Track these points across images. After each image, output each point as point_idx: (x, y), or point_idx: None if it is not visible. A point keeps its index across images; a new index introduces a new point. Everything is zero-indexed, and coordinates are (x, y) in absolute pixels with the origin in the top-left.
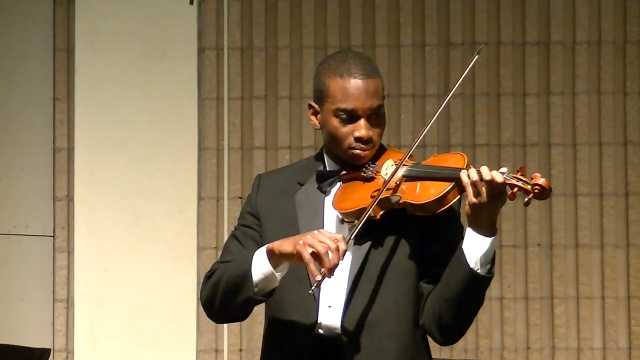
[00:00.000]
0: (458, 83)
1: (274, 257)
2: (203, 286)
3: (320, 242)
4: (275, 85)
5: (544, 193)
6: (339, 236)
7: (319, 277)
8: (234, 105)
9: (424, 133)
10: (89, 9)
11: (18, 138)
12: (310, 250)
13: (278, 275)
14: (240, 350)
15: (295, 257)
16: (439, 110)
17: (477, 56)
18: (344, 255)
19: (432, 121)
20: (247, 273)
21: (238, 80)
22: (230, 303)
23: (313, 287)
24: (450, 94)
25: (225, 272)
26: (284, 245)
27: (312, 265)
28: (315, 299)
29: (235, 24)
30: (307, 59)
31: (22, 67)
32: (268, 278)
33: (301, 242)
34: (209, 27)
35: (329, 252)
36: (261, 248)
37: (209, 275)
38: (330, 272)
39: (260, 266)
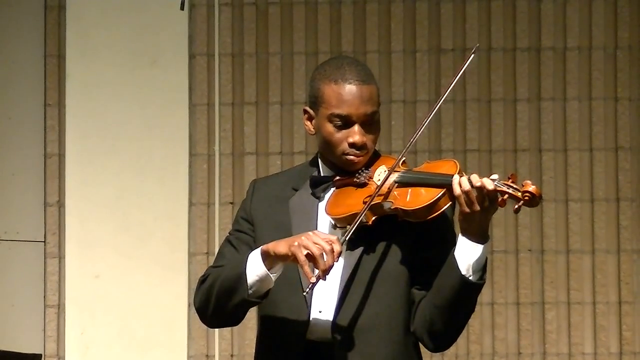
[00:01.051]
0: (453, 83)
1: (269, 259)
2: (196, 291)
3: (315, 243)
4: (267, 91)
5: (534, 200)
6: (334, 237)
7: (313, 279)
8: (225, 111)
9: (414, 140)
10: (79, 16)
11: (9, 144)
12: (305, 251)
13: (273, 276)
14: (232, 355)
15: (289, 259)
16: (432, 115)
17: (473, 55)
18: (338, 256)
19: (422, 127)
20: (242, 275)
21: (229, 86)
22: (224, 306)
23: (307, 289)
24: (444, 98)
25: (219, 275)
26: (279, 246)
27: (307, 267)
28: (307, 305)
29: (226, 30)
30: (298, 65)
31: (13, 73)
32: (262, 279)
33: (296, 243)
34: (199, 33)
35: (324, 253)
36: (255, 250)
37: (202, 280)
38: (325, 273)
39: (254, 268)
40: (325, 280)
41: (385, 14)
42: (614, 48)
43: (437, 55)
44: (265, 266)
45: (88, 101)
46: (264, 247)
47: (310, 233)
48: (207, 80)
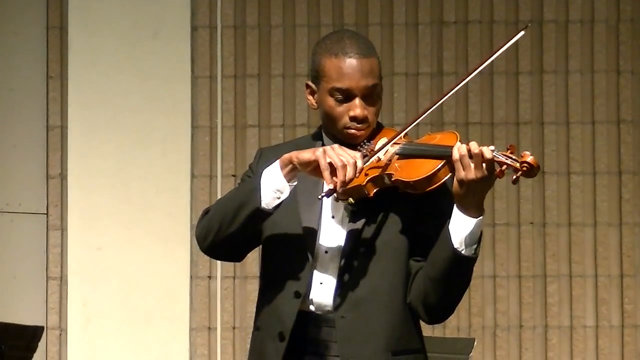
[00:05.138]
0: (500, 52)
1: (287, 167)
2: (200, 219)
3: (339, 155)
4: (269, 64)
5: (532, 171)
6: (358, 154)
7: (331, 185)
8: (227, 84)
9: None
10: None
11: (11, 116)
12: (328, 159)
13: (289, 185)
14: (234, 328)
15: (312, 165)
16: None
17: (523, 32)
18: (360, 172)
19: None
20: (257, 187)
21: (231, 58)
22: (229, 224)
23: (323, 194)
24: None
25: (225, 197)
26: (303, 153)
27: (327, 173)
28: (310, 270)
29: (228, 2)
30: (300, 37)
31: (15, 45)
32: (278, 189)
33: (321, 150)
34: (202, 5)
35: (347, 165)
36: (269, 166)
37: (207, 211)
38: (343, 185)
39: (270, 178)
40: (341, 191)
41: None
42: (616, 21)
43: (439, 28)
44: (282, 174)
45: (90, 73)
46: (284, 155)
47: (335, 145)
48: (209, 53)
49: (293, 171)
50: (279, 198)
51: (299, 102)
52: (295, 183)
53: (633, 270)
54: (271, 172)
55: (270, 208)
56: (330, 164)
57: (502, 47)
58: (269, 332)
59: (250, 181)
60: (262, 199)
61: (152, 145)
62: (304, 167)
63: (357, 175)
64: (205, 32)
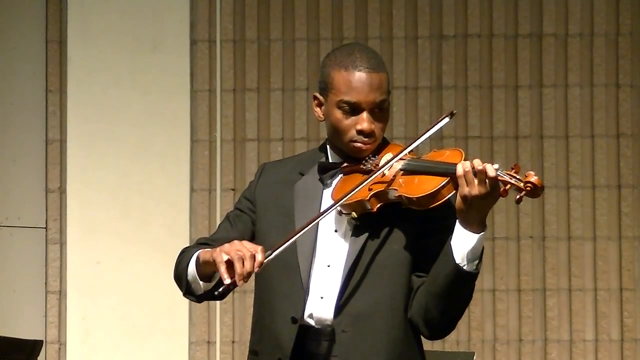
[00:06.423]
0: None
1: (199, 264)
2: (176, 260)
3: (237, 250)
4: (268, 78)
5: (536, 191)
6: (259, 248)
7: (227, 281)
8: (226, 97)
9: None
10: (81, 1)
11: (10, 130)
12: (225, 257)
13: (202, 283)
14: (233, 342)
15: (212, 265)
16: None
17: (447, 119)
18: (260, 266)
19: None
20: (184, 272)
21: (230, 72)
22: (182, 288)
23: (219, 289)
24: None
25: (181, 260)
26: (206, 253)
27: (222, 268)
28: (303, 290)
29: (227, 16)
30: (299, 51)
31: (14, 58)
32: (195, 282)
33: (218, 249)
34: (201, 19)
35: (244, 260)
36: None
37: (182, 252)
38: (240, 278)
39: (191, 269)
40: (239, 285)
41: (387, 0)
42: (615, 34)
43: (439, 42)
44: (197, 270)
45: (89, 87)
46: (198, 252)
47: (236, 242)
48: (208, 66)
49: (204, 270)
50: (199, 289)
51: (298, 116)
52: (211, 285)
53: (632, 284)
54: (192, 264)
55: (196, 295)
56: (229, 260)
57: (430, 130)
58: (267, 359)
59: (189, 258)
60: (186, 284)
61: (152, 159)
62: (205, 266)
63: (256, 269)
64: (204, 45)
